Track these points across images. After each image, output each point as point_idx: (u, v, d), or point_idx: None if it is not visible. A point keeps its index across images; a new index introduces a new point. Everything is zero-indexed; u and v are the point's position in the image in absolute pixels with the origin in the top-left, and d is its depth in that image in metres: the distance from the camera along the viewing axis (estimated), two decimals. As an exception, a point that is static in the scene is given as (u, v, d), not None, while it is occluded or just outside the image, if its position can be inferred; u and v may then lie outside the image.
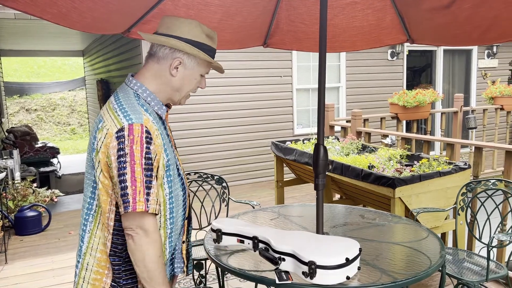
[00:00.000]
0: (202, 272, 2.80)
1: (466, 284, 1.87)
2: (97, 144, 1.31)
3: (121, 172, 1.24)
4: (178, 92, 1.49)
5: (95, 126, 1.36)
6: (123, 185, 1.24)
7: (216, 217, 3.04)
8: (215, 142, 6.40)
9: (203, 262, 2.74)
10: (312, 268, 1.66)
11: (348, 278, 1.70)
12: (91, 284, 1.37)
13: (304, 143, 4.51)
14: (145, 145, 1.27)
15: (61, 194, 5.29)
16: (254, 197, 5.79)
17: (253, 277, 1.79)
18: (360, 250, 1.80)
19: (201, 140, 6.26)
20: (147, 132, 1.28)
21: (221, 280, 2.43)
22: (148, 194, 1.26)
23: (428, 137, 3.83)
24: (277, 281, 1.71)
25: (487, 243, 2.78)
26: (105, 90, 8.74)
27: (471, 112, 6.55)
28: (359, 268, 1.80)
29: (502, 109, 6.50)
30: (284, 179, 4.78)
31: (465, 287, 1.95)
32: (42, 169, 7.27)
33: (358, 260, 1.78)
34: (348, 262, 1.69)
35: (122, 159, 1.24)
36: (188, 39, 1.43)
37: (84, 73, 12.97)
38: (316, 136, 4.68)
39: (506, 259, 3.29)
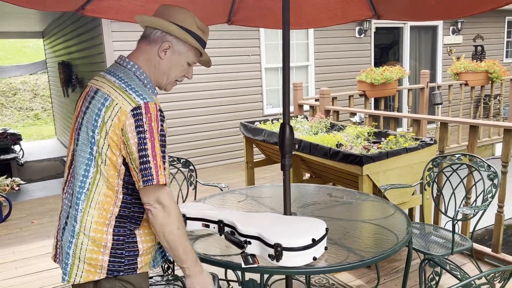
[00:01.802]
0: (170, 257, 2.74)
1: (431, 259, 1.88)
2: (102, 121, 1.34)
3: (141, 147, 1.30)
4: (166, 76, 1.53)
5: (97, 104, 1.37)
6: (144, 159, 1.30)
7: (184, 201, 2.97)
8: (182, 124, 6.26)
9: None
10: (278, 250, 1.62)
11: (315, 259, 1.67)
12: (87, 264, 1.37)
13: (273, 123, 4.46)
14: (160, 123, 1.33)
15: (22, 182, 5.07)
16: (224, 179, 5.73)
17: (219, 262, 1.74)
18: (327, 230, 1.77)
19: (173, 122, 6.11)
20: (160, 110, 1.35)
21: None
22: (165, 169, 1.34)
23: (395, 113, 3.85)
24: (243, 265, 1.66)
25: (452, 217, 2.83)
26: (67, 73, 8.39)
27: (437, 88, 6.66)
28: (326, 248, 1.77)
29: (466, 84, 6.62)
30: (254, 160, 4.74)
31: (430, 261, 1.97)
32: (2, 157, 6.96)
33: (325, 240, 1.75)
34: (315, 242, 1.66)
35: (141, 135, 1.30)
36: (180, 25, 1.49)
37: (45, 56, 12.40)
38: (285, 116, 4.64)
39: (470, 231, 3.38)
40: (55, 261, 1.52)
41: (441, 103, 6.42)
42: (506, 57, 9.88)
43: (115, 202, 1.39)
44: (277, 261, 1.63)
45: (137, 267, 1.43)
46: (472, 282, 1.27)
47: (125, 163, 1.36)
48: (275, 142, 3.95)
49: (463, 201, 3.07)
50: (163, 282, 1.72)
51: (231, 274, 2.82)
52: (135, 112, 1.32)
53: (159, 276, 1.74)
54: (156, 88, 1.56)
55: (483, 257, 3.16)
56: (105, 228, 1.38)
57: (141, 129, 1.31)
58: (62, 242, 1.42)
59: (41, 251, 3.83)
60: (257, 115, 6.73)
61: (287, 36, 2.08)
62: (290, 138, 2.09)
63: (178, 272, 3.07)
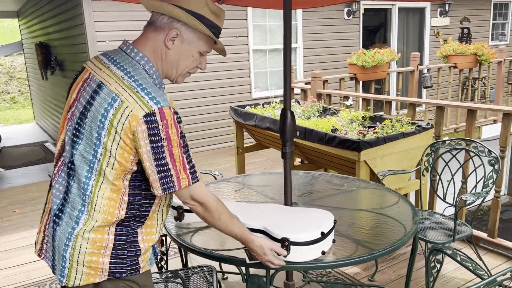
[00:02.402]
0: (163, 248, 2.62)
1: (440, 249, 1.82)
2: (109, 124, 1.22)
3: (158, 156, 1.22)
4: (175, 68, 1.38)
5: (103, 104, 1.24)
6: (163, 168, 1.24)
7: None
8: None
9: (163, 238, 2.56)
10: (285, 245, 1.52)
11: (323, 253, 1.59)
12: (87, 267, 1.28)
13: (264, 107, 4.33)
14: (178, 126, 1.24)
15: (1, 169, 4.85)
16: (213, 165, 5.61)
17: (221, 257, 1.64)
18: (335, 222, 1.68)
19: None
20: (176, 113, 1.24)
21: (183, 258, 2.26)
22: (190, 168, 1.28)
23: (392, 97, 3.77)
24: (247, 261, 1.56)
25: (451, 203, 2.78)
26: (46, 55, 8.03)
27: (427, 71, 6.61)
28: (334, 241, 1.69)
29: (455, 67, 6.59)
30: (245, 145, 4.62)
31: (438, 251, 1.91)
32: (-21, 143, 6.67)
33: (333, 233, 1.67)
34: (323, 236, 1.57)
35: (158, 144, 1.21)
36: (189, 10, 1.32)
37: (21, 37, 11.89)
38: (277, 100, 4.52)
39: (467, 217, 3.36)
40: (39, 256, 1.40)
41: (431, 86, 6.39)
42: (492, 39, 9.90)
43: (120, 205, 1.29)
44: (285, 256, 1.54)
45: (139, 266, 1.33)
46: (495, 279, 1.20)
47: (138, 165, 1.27)
48: (267, 127, 3.83)
49: (463, 187, 3.04)
50: (161, 279, 1.61)
51: (226, 265, 2.73)
52: (148, 119, 1.19)
53: (156, 273, 1.64)
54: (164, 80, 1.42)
55: (479, 242, 3.14)
56: (106, 228, 1.28)
57: (156, 138, 1.21)
58: (55, 243, 1.30)
59: (24, 242, 3.67)
60: (245, 98, 6.59)
61: (288, 16, 1.95)
62: (292, 124, 1.98)
63: (174, 258, 2.97)
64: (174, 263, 3.03)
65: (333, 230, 1.67)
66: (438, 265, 2.39)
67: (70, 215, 1.28)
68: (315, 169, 3.99)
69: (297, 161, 4.82)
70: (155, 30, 1.33)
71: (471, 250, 3.05)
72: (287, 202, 2.04)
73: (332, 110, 4.15)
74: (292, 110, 1.99)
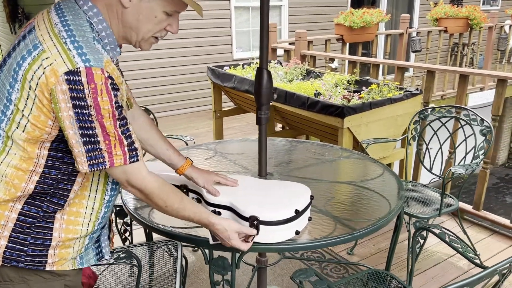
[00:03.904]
0: (127, 219, 2.42)
1: (427, 228, 1.65)
2: (23, 76, 0.99)
3: (84, 125, 1.00)
4: (134, 31, 1.12)
5: (23, 50, 1.01)
6: (90, 139, 1.01)
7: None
8: (139, 67, 5.70)
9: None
10: (254, 224, 1.32)
11: (297, 233, 1.39)
12: None
13: (244, 68, 4.05)
14: (112, 93, 1.00)
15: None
16: (190, 129, 5.35)
17: (180, 236, 1.44)
18: (312, 198, 1.48)
19: (126, 66, 5.55)
20: (110, 78, 1.00)
21: (147, 231, 2.06)
22: (129, 144, 1.07)
23: (379, 60, 3.53)
24: (210, 241, 1.36)
25: (437, 174, 2.62)
26: (13, 7, 7.48)
27: (416, 35, 6.34)
28: (310, 219, 1.49)
29: (445, 31, 6.33)
30: (223, 109, 4.37)
31: (419, 226, 1.74)
32: None
33: (309, 210, 1.47)
34: (298, 214, 1.37)
35: (84, 111, 0.98)
36: None
37: (-11, -12, 11.10)
38: (258, 60, 4.23)
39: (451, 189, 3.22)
40: None
41: (420, 50, 6.14)
42: (483, 4, 9.62)
43: (30, 178, 1.05)
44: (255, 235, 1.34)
45: (45, 261, 1.10)
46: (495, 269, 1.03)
47: (59, 131, 1.04)
48: (246, 89, 3.58)
49: (451, 158, 2.87)
50: (112, 260, 1.41)
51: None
52: (70, 78, 0.96)
53: (110, 252, 1.43)
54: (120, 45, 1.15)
55: (463, 215, 3.02)
56: (10, 204, 1.05)
57: (81, 103, 0.98)
58: None
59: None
60: (226, 59, 6.25)
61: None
62: (268, 86, 1.74)
63: (139, 230, 2.78)
64: (141, 234, 2.84)
65: (310, 207, 1.48)
66: (422, 241, 2.25)
67: None
68: (296, 136, 3.79)
69: (278, 126, 4.61)
70: None
71: (455, 223, 2.93)
72: (262, 172, 1.84)
73: (316, 73, 3.90)
74: (270, 70, 1.75)
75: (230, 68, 4.04)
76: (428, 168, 2.64)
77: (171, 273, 1.85)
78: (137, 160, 1.09)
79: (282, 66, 4.18)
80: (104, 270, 1.92)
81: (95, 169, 1.04)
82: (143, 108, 2.58)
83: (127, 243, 2.41)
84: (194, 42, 6.00)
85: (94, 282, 1.73)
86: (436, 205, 2.38)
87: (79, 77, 0.96)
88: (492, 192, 7.76)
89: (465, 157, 2.49)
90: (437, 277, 2.43)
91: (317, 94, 3.13)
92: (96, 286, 1.75)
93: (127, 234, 2.41)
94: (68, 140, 1.02)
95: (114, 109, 1.01)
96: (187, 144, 2.55)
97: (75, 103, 0.97)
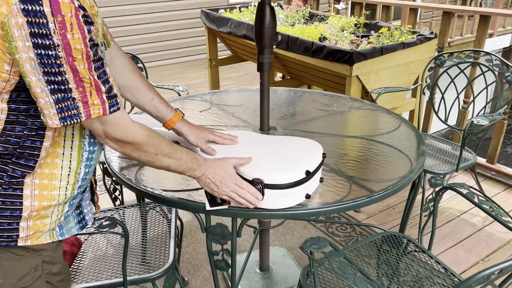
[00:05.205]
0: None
1: (452, 187, 1.46)
2: None
3: (50, 70, 0.80)
4: None
5: None
6: (59, 87, 0.83)
7: (129, 112, 2.38)
8: (128, 12, 5.31)
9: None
10: (258, 188, 1.13)
11: (308, 196, 1.20)
12: None
13: (241, 11, 3.72)
14: (85, 28, 0.82)
15: None
16: (183, 80, 5.06)
17: (171, 200, 1.25)
18: (324, 156, 1.28)
19: (110, 11, 5.16)
20: (82, 8, 0.81)
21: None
22: (108, 90, 0.89)
23: (390, 1, 3.21)
24: (207, 207, 1.18)
25: (464, 128, 2.42)
26: None
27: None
28: (321, 180, 1.30)
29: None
30: (219, 57, 4.08)
31: (441, 186, 1.56)
32: None
33: (320, 170, 1.27)
34: (309, 176, 1.18)
35: (48, 52, 0.79)
36: None
37: None
38: (255, 3, 3.88)
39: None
40: None
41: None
42: None
43: None
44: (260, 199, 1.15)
45: (17, 236, 0.92)
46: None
47: (20, 78, 0.83)
48: (244, 35, 3.28)
49: (463, 107, 2.66)
50: (93, 229, 1.22)
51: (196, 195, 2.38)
52: (28, 7, 0.75)
53: (94, 218, 1.25)
54: None
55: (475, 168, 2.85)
56: None
57: (45, 42, 0.78)
58: None
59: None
60: (221, 3, 5.84)
61: None
62: (271, 25, 1.49)
63: (132, 194, 2.61)
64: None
65: (321, 167, 1.27)
66: (438, 198, 2.09)
67: None
68: (298, 85, 3.54)
69: (278, 76, 4.34)
70: None
71: (468, 177, 2.77)
72: (264, 127, 1.63)
73: (320, 16, 3.59)
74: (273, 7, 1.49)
75: (226, 11, 3.71)
76: (443, 119, 2.43)
77: (166, 235, 1.69)
78: (118, 108, 0.91)
79: (282, 9, 3.84)
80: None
81: (68, 122, 0.85)
82: (130, 55, 2.33)
83: (117, 203, 2.23)
84: (186, -15, 5.57)
85: (78, 250, 1.56)
86: (450, 160, 2.19)
87: (40, 7, 0.76)
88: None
89: (485, 107, 2.28)
90: (449, 235, 2.30)
91: (322, 38, 2.85)
92: (83, 251, 1.58)
93: (117, 193, 2.23)
94: (31, 89, 0.82)
95: (89, 49, 0.83)
96: (179, 95, 2.32)
97: (36, 41, 0.77)
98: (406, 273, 1.49)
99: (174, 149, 1.04)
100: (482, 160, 2.84)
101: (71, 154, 0.95)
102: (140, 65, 2.37)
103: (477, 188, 2.38)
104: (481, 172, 2.83)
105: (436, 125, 3.35)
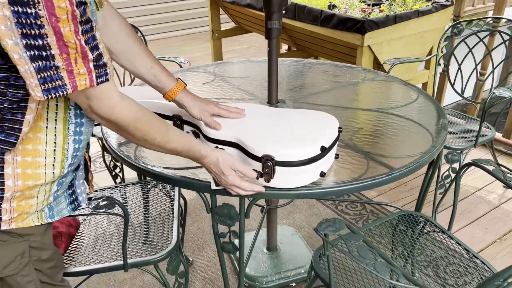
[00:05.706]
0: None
1: (478, 164, 1.35)
2: None
3: (29, 32, 0.69)
4: None
5: None
6: (40, 53, 0.71)
7: (130, 84, 2.26)
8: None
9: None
10: (268, 165, 1.02)
11: (322, 174, 1.10)
12: None
13: (244, -21, 3.53)
14: None
15: None
16: (185, 53, 4.91)
17: (174, 179, 1.15)
18: (340, 130, 1.17)
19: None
20: None
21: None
22: (96, 59, 0.77)
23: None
24: (213, 186, 1.08)
25: (484, 101, 2.29)
26: None
27: None
28: (336, 157, 1.19)
29: None
30: (222, 29, 3.91)
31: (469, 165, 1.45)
32: None
33: (336, 146, 1.16)
34: (324, 151, 1.07)
35: (27, 9, 0.67)
36: None
37: None
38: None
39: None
40: None
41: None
42: None
43: None
44: (267, 181, 1.05)
45: (0, 218, 0.84)
46: None
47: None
48: (248, 3, 3.12)
49: (479, 79, 2.52)
50: (89, 210, 1.13)
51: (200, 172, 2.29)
52: None
53: (88, 198, 1.16)
54: None
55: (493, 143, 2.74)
56: None
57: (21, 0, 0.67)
58: None
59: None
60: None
61: None
62: (280, -12, 1.35)
63: (130, 171, 2.52)
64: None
65: (337, 143, 1.17)
66: (453, 174, 1.98)
67: None
68: (305, 57, 3.39)
69: (283, 48, 4.18)
70: None
71: (483, 153, 2.66)
72: (272, 99, 1.51)
73: (327, -16, 3.40)
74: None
75: (228, -21, 3.52)
76: (460, 91, 2.30)
77: (169, 213, 1.60)
78: (107, 79, 0.80)
79: (288, -23, 3.65)
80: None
81: (53, 95, 0.75)
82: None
83: (118, 180, 2.14)
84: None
85: (76, 230, 1.48)
86: (466, 135, 2.08)
87: None
88: (502, 118, 7.47)
89: (506, 77, 2.14)
90: (465, 212, 2.20)
91: (332, 6, 2.69)
92: (81, 232, 1.50)
93: (117, 170, 2.14)
94: (10, 54, 0.71)
95: (75, 7, 0.71)
96: (181, 67, 2.19)
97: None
98: (423, 254, 1.41)
99: (166, 140, 0.94)
100: (498, 135, 2.72)
101: (55, 127, 0.85)
102: (139, 34, 2.24)
103: (498, 165, 2.28)
104: (497, 148, 2.72)
105: (448, 98, 3.22)
